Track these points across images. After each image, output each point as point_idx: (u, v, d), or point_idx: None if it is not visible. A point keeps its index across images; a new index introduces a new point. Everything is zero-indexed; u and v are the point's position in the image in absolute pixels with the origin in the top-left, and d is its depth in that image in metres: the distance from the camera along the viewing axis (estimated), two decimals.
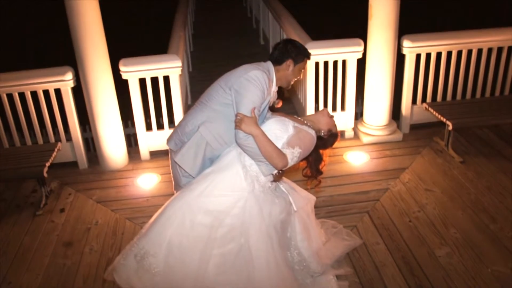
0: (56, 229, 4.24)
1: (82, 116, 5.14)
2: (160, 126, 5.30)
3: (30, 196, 4.76)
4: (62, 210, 4.50)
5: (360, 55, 5.18)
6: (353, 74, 5.25)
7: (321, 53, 5.06)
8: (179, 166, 3.14)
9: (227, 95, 2.97)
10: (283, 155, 2.87)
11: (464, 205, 4.22)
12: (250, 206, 2.97)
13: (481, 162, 4.84)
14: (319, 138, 3.13)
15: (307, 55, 3.12)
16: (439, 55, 5.34)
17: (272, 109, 3.30)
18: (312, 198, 3.50)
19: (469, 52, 5.40)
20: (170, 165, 3.36)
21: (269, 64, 3.09)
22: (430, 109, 5.15)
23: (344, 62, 5.22)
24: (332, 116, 3.22)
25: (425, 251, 3.72)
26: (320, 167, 3.25)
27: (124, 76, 4.94)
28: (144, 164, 5.24)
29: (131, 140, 6.76)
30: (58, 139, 5.19)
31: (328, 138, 3.20)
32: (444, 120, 4.88)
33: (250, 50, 9.09)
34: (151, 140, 5.25)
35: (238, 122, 2.85)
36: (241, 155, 3.00)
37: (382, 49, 5.06)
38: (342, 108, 5.47)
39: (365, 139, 5.40)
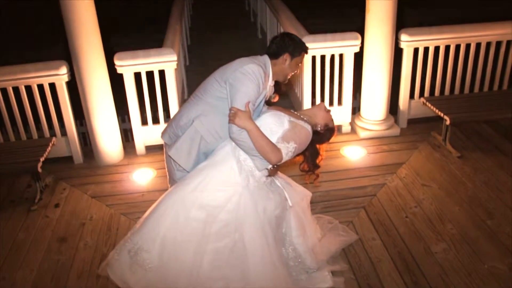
0: (51, 224, 4.21)
1: (78, 110, 5.10)
2: (155, 120, 5.27)
3: (25, 191, 4.73)
4: (56, 205, 4.47)
5: (357, 49, 5.14)
6: (350, 68, 5.21)
7: (318, 47, 5.02)
8: (173, 160, 3.11)
9: (222, 88, 2.94)
10: (277, 150, 2.84)
11: (461, 200, 4.20)
12: (245, 201, 2.94)
13: (479, 157, 4.81)
14: (315, 132, 3.10)
15: (305, 49, 3.08)
16: (437, 49, 5.30)
17: (269, 103, 3.26)
18: (308, 194, 3.48)
19: (468, 46, 5.36)
20: (164, 159, 3.33)
21: (265, 57, 3.04)
22: (427, 103, 5.11)
23: (341, 56, 5.17)
24: (329, 111, 3.19)
25: (421, 247, 3.70)
26: (317, 161, 3.20)
27: (119, 70, 4.89)
28: (140, 159, 5.21)
29: (128, 135, 6.72)
30: (53, 134, 5.15)
31: (324, 133, 3.16)
32: (442, 114, 4.85)
33: (248, 44, 9.02)
34: (147, 134, 5.21)
35: (232, 116, 2.82)
36: (235, 150, 2.96)
37: (380, 43, 5.02)
38: (339, 102, 5.43)
39: (362, 133, 5.37)
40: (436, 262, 3.54)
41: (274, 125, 2.94)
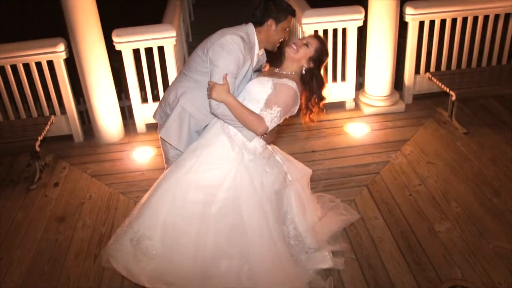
0: (50, 203, 4.18)
1: (77, 88, 5.03)
2: (155, 98, 5.19)
3: (25, 170, 4.70)
4: (56, 185, 4.43)
5: (360, 23, 5.01)
6: (354, 43, 5.09)
7: (320, 21, 4.90)
8: (165, 140, 3.04)
9: (204, 63, 2.84)
10: (260, 119, 2.74)
11: (466, 178, 4.11)
12: (241, 177, 2.87)
13: (486, 133, 4.70)
14: (309, 71, 2.94)
15: (291, 12, 2.90)
16: (443, 22, 5.16)
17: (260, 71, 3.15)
18: (308, 171, 3.40)
19: (475, 18, 5.20)
20: (159, 138, 3.26)
21: (249, 26, 2.90)
22: (433, 78, 4.99)
23: (344, 30, 5.05)
24: (295, 42, 2.95)
25: (424, 226, 3.62)
26: (322, 91, 3.02)
27: (118, 47, 4.80)
28: (140, 137, 5.15)
29: (131, 113, 6.65)
30: (52, 112, 5.10)
31: (317, 59, 2.94)
32: (448, 90, 4.73)
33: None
34: (147, 112, 5.13)
35: (209, 90, 2.73)
36: (225, 125, 2.88)
37: (384, 16, 4.88)
38: (343, 78, 5.32)
39: (366, 110, 5.27)
40: (439, 241, 3.47)
41: (259, 93, 2.84)
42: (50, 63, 4.83)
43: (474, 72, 5.20)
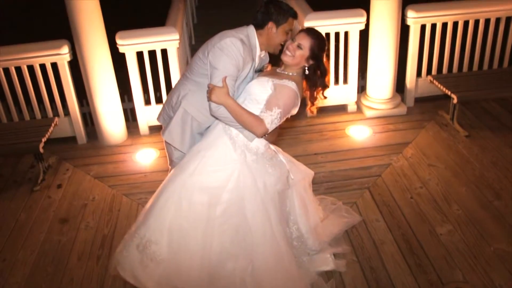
0: (53, 205, 4.20)
1: (81, 90, 5.06)
2: (158, 100, 5.21)
3: (28, 171, 4.72)
4: (59, 186, 4.45)
5: (362, 26, 5.03)
6: (356, 46, 5.11)
7: (322, 24, 4.90)
8: (168, 143, 3.06)
9: (205, 65, 2.85)
10: (260, 121, 2.75)
11: (468, 181, 4.12)
12: (244, 177, 2.88)
13: (487, 136, 4.72)
14: (310, 68, 2.93)
15: (291, 14, 2.89)
16: (444, 25, 5.17)
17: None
18: (310, 173, 3.40)
19: (476, 22, 5.22)
20: (163, 140, 3.29)
21: (250, 28, 2.90)
22: (435, 81, 5.01)
23: (346, 33, 5.07)
24: (289, 48, 2.92)
25: (426, 228, 3.64)
26: (326, 80, 3.01)
27: (121, 49, 4.83)
28: (143, 139, 5.17)
29: (134, 115, 6.68)
30: (56, 114, 5.13)
31: (317, 53, 2.90)
32: (449, 93, 4.75)
33: None
34: (150, 114, 5.15)
35: (209, 93, 2.74)
36: (226, 127, 2.90)
37: (386, 20, 4.91)
38: (345, 81, 5.34)
39: (368, 113, 5.28)
40: (441, 244, 3.48)
41: (259, 94, 2.85)
42: (54, 65, 4.86)
43: (476, 75, 5.21)
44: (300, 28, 5.11)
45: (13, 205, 4.24)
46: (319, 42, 2.91)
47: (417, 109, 5.37)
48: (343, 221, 3.66)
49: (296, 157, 3.43)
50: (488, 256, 3.35)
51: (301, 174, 3.30)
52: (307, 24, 4.85)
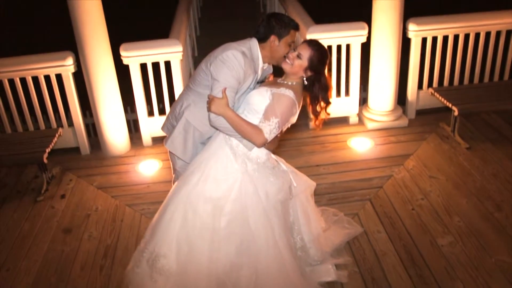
0: (56, 215, 4.23)
1: (85, 101, 5.10)
2: (162, 111, 5.25)
3: (32, 181, 4.75)
4: (62, 196, 4.48)
5: (364, 39, 5.07)
6: (357, 59, 5.15)
7: (324, 37, 4.94)
8: (171, 152, 3.10)
9: (207, 76, 2.89)
10: (259, 131, 2.78)
11: (469, 192, 4.14)
12: (245, 187, 2.92)
13: (488, 149, 4.74)
14: (308, 79, 2.95)
15: (293, 27, 2.92)
16: (445, 38, 5.22)
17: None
18: (312, 184, 3.43)
19: (477, 35, 5.27)
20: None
21: (253, 41, 2.94)
22: (436, 94, 5.05)
23: (348, 46, 5.11)
24: (289, 56, 2.94)
25: (427, 240, 3.65)
26: (329, 94, 3.02)
27: (125, 61, 4.88)
28: (146, 150, 5.20)
29: (136, 126, 6.71)
30: (60, 124, 5.16)
31: (317, 64, 2.92)
32: (450, 105, 4.79)
33: None
34: (153, 125, 5.19)
35: (208, 104, 2.78)
36: (227, 137, 2.94)
37: (387, 32, 4.96)
38: (347, 93, 5.38)
39: (369, 125, 5.32)
40: (442, 255, 3.50)
41: (258, 104, 2.87)
42: (58, 76, 4.90)
43: (476, 87, 5.25)
44: (302, 40, 5.17)
45: (17, 215, 4.26)
46: (319, 54, 2.92)
47: (418, 121, 5.40)
48: (344, 232, 3.67)
49: (298, 168, 3.45)
50: (489, 267, 3.36)
51: (304, 185, 3.32)
52: (310, 36, 4.88)
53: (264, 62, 2.99)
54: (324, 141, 5.12)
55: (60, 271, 3.60)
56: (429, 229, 3.75)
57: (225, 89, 2.76)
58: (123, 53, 4.83)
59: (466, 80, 5.46)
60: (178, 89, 5.00)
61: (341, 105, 5.37)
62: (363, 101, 5.84)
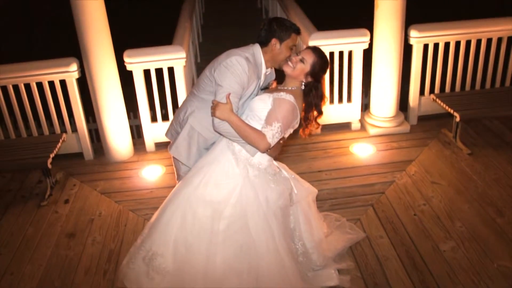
0: (60, 220, 4.25)
1: (88, 107, 5.14)
2: (165, 117, 5.28)
3: (36, 186, 4.77)
4: (66, 201, 4.50)
5: (366, 46, 5.10)
6: (360, 65, 5.19)
7: (327, 43, 4.98)
8: (175, 157, 3.13)
9: (211, 83, 2.93)
10: (262, 136, 2.80)
11: (471, 198, 4.16)
12: (246, 192, 2.94)
13: (490, 154, 4.76)
14: (307, 85, 2.98)
15: (294, 30, 2.95)
16: (447, 45, 5.25)
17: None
18: (314, 191, 3.46)
19: (478, 41, 5.30)
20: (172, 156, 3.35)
21: (255, 46, 2.98)
22: (437, 100, 5.07)
23: (350, 53, 5.15)
24: (292, 59, 2.98)
25: (429, 245, 3.67)
26: (322, 104, 3.05)
27: (129, 67, 4.91)
28: (149, 156, 5.23)
29: (139, 132, 6.75)
30: (63, 130, 5.20)
31: (317, 72, 2.96)
32: (452, 111, 4.81)
33: None
34: (156, 131, 5.22)
35: (212, 109, 2.81)
36: (229, 142, 2.97)
37: (389, 39, 4.99)
38: (349, 99, 5.41)
39: (371, 130, 5.34)
40: (444, 260, 3.51)
41: (260, 110, 2.90)
42: (62, 82, 4.94)
43: (478, 93, 5.27)
44: (305, 47, 5.20)
45: (21, 219, 4.28)
46: (322, 61, 2.97)
47: (420, 127, 5.43)
48: (347, 238, 3.69)
49: (301, 174, 3.48)
50: (491, 272, 3.37)
51: (305, 192, 3.35)
52: (312, 43, 4.92)
53: (267, 67, 3.02)
54: (326, 147, 5.14)
55: (64, 275, 3.62)
56: (431, 234, 3.77)
57: (229, 94, 2.79)
58: (126, 59, 4.87)
59: (467, 86, 5.49)
60: (181, 95, 5.03)
61: (343, 111, 5.40)
62: (365, 107, 5.87)
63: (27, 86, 4.94)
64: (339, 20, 5.78)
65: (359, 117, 5.47)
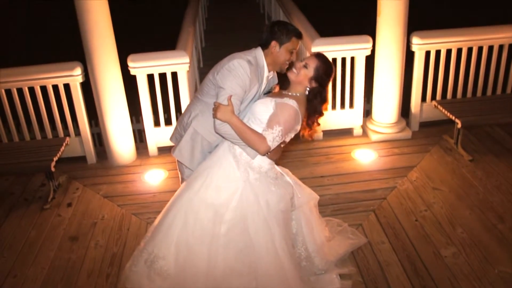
0: (63, 223, 4.27)
1: (92, 111, 5.16)
2: (168, 122, 5.31)
3: (39, 190, 4.79)
4: (69, 205, 4.52)
5: (368, 52, 5.13)
6: (362, 71, 5.21)
7: (329, 49, 5.00)
8: (179, 161, 3.15)
9: (215, 86, 2.95)
10: (262, 139, 2.82)
11: (472, 204, 4.17)
12: (246, 195, 2.96)
13: (491, 161, 4.78)
14: (311, 91, 2.99)
15: (296, 34, 2.97)
16: (449, 52, 5.28)
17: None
18: (315, 197, 3.47)
19: (480, 49, 5.33)
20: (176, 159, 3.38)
21: (257, 50, 3.00)
22: (439, 106, 5.09)
23: (352, 59, 5.18)
24: (296, 65, 3.01)
25: (430, 251, 3.68)
26: (323, 108, 3.06)
27: (132, 72, 4.94)
28: (152, 160, 5.25)
29: (142, 136, 6.77)
30: (67, 133, 5.22)
31: (322, 78, 2.97)
32: (453, 117, 4.83)
33: None
34: (159, 136, 5.25)
35: (214, 110, 2.83)
36: (231, 145, 2.99)
37: (391, 46, 5.02)
38: (351, 105, 5.43)
39: (373, 136, 5.36)
40: (445, 266, 3.53)
41: (262, 113, 2.92)
42: (66, 86, 4.97)
43: (479, 100, 5.30)
44: (307, 52, 5.23)
45: (24, 222, 4.30)
46: (325, 66, 2.98)
47: (422, 133, 5.45)
48: (349, 243, 3.70)
49: (303, 179, 3.50)
50: (493, 278, 3.38)
51: (307, 197, 3.37)
52: (315, 49, 4.94)
53: (269, 71, 3.05)
54: (329, 152, 5.16)
55: (66, 278, 3.64)
56: (433, 240, 3.78)
57: (230, 96, 2.82)
58: (130, 64, 4.90)
59: (469, 93, 5.51)
60: (185, 99, 5.06)
61: (346, 117, 5.42)
62: (367, 113, 5.89)
63: (31, 90, 4.97)
64: (341, 26, 5.80)
65: (361, 123, 5.49)
